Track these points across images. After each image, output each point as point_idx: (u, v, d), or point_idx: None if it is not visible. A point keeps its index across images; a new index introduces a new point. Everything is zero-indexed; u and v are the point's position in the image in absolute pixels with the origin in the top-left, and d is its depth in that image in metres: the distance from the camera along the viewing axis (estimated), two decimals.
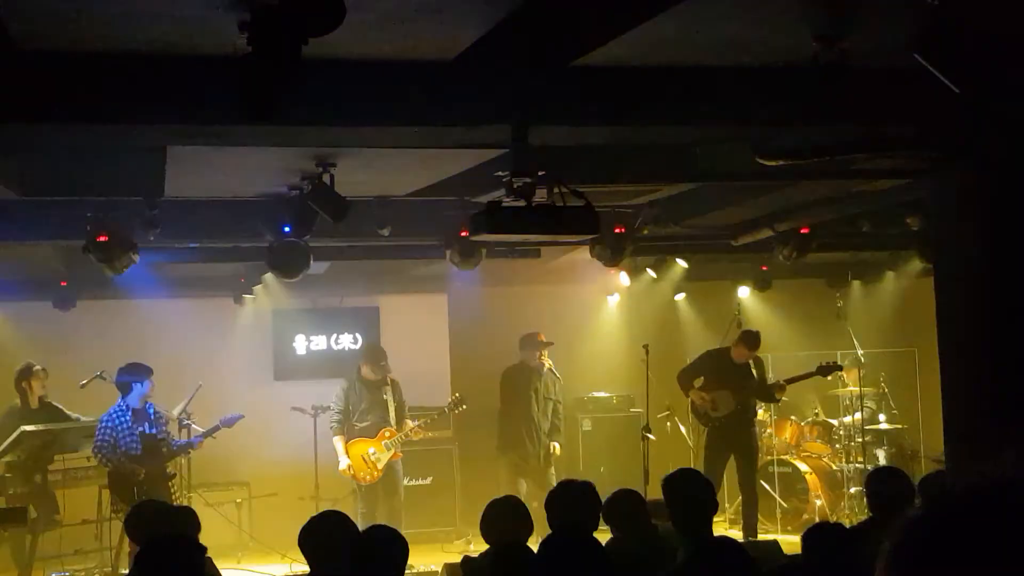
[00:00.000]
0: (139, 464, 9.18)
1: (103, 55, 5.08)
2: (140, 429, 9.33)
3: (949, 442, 6.59)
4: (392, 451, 10.73)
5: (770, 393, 10.92)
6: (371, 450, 10.65)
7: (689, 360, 11.37)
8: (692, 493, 5.62)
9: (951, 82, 4.57)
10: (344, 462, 10.56)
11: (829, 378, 11.43)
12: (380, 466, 10.64)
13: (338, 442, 10.64)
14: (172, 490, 9.40)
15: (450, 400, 11.12)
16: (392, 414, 10.79)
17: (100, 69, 5.10)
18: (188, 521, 5.95)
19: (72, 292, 11.32)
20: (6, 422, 9.87)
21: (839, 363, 11.20)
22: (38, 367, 10.20)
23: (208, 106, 5.22)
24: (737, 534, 10.19)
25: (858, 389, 11.88)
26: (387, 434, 10.71)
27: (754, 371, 10.89)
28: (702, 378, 10.94)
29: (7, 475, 9.76)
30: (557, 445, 11.30)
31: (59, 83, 5.09)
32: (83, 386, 10.08)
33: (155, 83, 5.17)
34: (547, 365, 11.34)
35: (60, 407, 10.25)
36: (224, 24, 4.41)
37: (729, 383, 10.76)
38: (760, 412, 12.05)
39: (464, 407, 11.06)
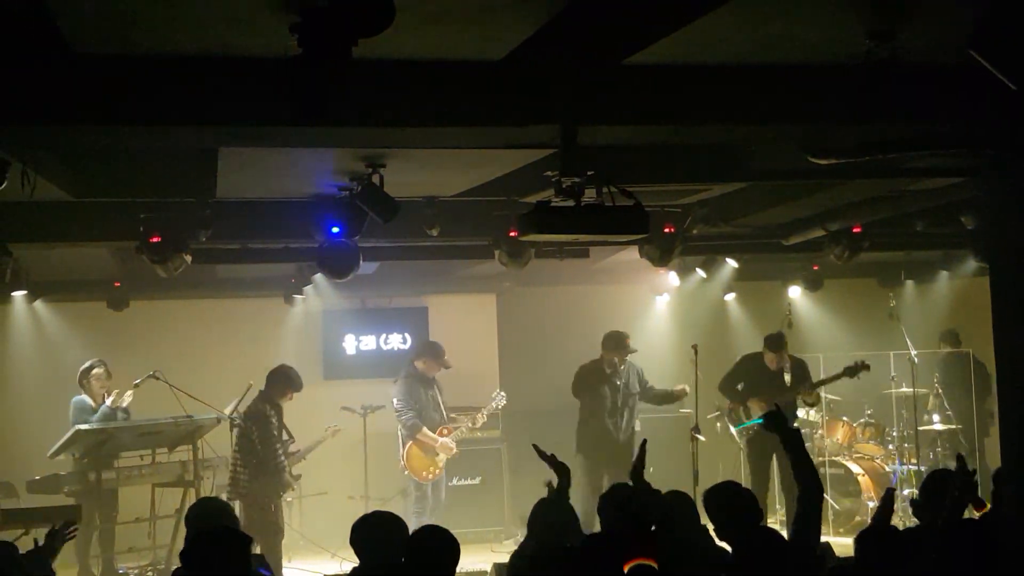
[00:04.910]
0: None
1: (154, 57, 5.12)
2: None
3: (1006, 444, 6.48)
4: (453, 447, 10.80)
5: (804, 399, 10.83)
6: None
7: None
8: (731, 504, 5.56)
9: (1007, 78, 4.50)
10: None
11: (859, 378, 10.85)
12: (441, 464, 10.75)
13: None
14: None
15: (493, 397, 11.15)
16: (444, 410, 10.87)
17: (151, 71, 5.14)
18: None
19: (125, 293, 11.46)
20: (78, 418, 9.96)
21: (867, 363, 10.79)
22: (99, 369, 10.26)
23: (259, 107, 5.25)
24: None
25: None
26: (445, 431, 10.78)
27: (787, 376, 10.77)
28: (742, 384, 10.88)
29: (62, 473, 9.89)
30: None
31: (111, 85, 5.13)
32: (137, 386, 10.16)
33: (206, 85, 5.19)
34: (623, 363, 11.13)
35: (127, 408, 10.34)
36: (274, 26, 4.44)
37: (761, 390, 10.70)
38: (812, 414, 11.92)
39: (505, 402, 11.09)
